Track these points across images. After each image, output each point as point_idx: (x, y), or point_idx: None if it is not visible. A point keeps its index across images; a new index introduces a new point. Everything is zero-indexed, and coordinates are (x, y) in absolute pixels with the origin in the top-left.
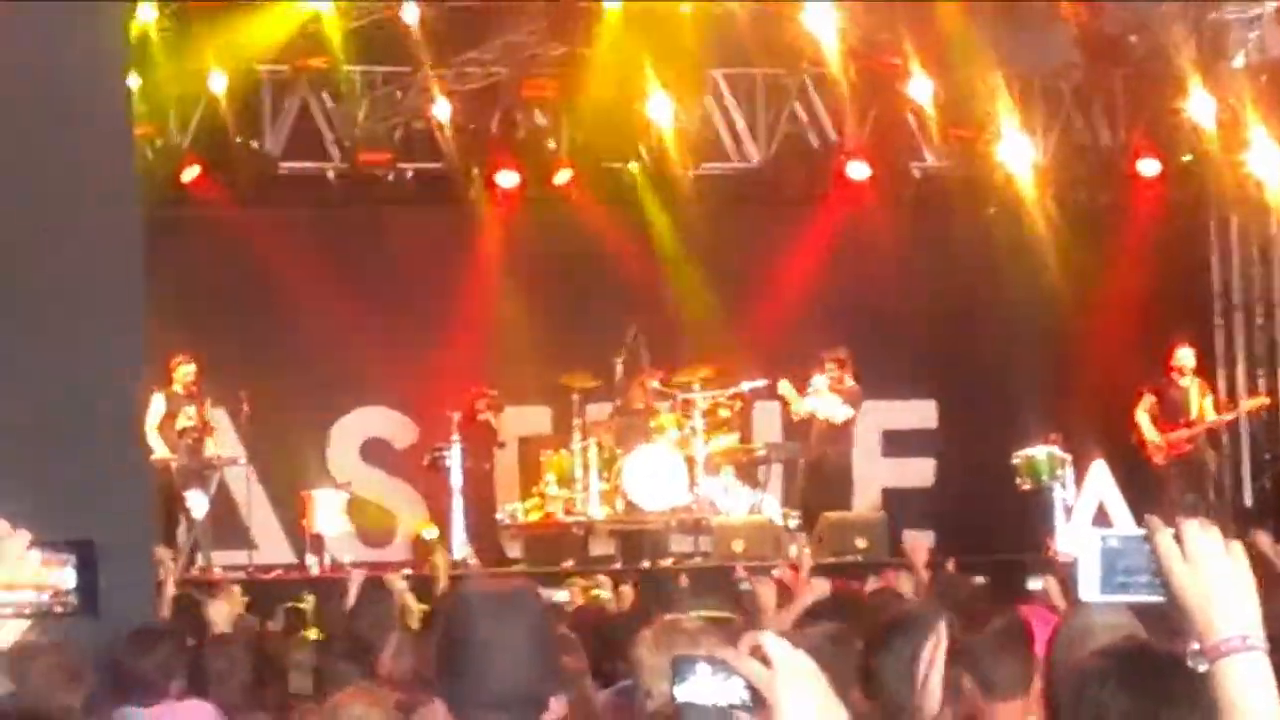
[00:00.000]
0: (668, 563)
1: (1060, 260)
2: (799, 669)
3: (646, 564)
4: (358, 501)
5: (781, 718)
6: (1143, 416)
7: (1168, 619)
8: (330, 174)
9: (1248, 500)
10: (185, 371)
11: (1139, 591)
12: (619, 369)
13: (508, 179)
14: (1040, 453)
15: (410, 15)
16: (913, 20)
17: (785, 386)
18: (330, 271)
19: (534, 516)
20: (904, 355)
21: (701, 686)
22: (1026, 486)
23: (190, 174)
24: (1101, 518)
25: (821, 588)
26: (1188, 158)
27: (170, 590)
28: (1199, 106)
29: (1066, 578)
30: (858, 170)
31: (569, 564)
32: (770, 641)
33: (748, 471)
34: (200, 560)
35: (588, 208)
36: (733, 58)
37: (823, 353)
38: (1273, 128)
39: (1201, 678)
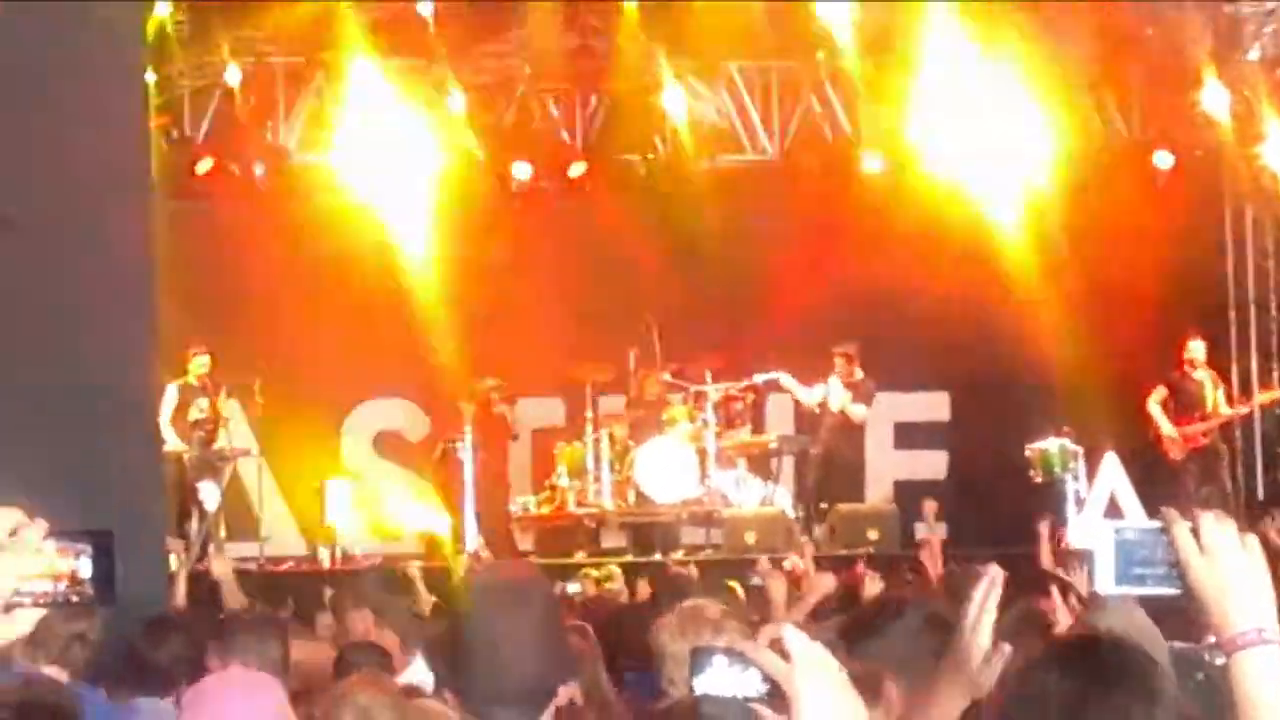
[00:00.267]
0: (679, 555)
1: (1074, 253)
2: (817, 662)
3: (658, 556)
4: (368, 499)
5: (799, 710)
6: (1155, 408)
7: (1184, 617)
8: (344, 166)
9: (1259, 493)
10: (200, 363)
11: (1155, 584)
12: (632, 361)
13: (522, 171)
14: (1052, 445)
15: (425, 8)
16: (926, 11)
17: (788, 379)
18: (343, 263)
19: (545, 510)
20: (917, 348)
21: (719, 678)
22: (1039, 479)
23: (204, 166)
24: (1113, 510)
25: (826, 583)
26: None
27: (184, 581)
28: (1214, 99)
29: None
30: (872, 162)
31: (581, 556)
32: (789, 634)
33: (760, 464)
34: (212, 551)
35: (602, 200)
36: (748, 50)
37: (832, 348)
38: None
39: (1147, 665)
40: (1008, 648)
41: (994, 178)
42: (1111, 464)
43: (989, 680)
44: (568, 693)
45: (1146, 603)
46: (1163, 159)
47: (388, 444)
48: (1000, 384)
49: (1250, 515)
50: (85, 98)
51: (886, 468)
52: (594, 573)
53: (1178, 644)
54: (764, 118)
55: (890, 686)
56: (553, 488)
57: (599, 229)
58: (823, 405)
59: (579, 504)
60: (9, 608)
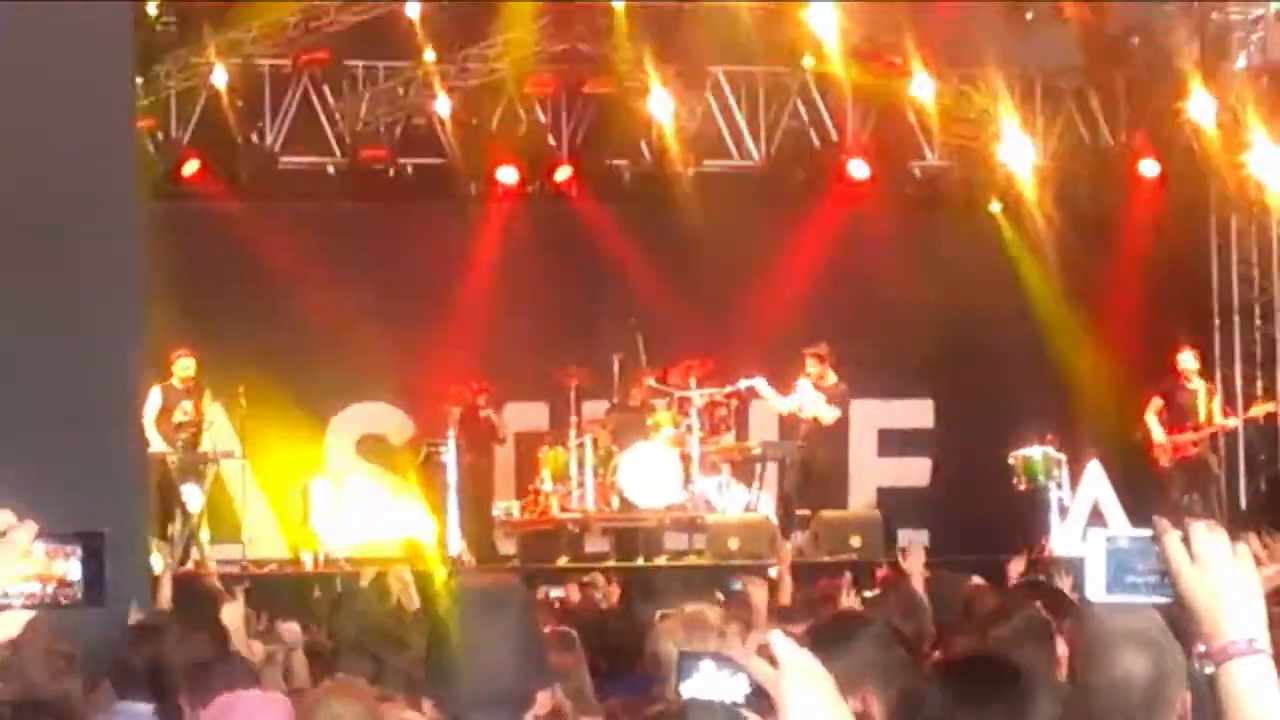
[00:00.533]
0: (662, 560)
1: (1059, 260)
2: (805, 669)
3: (641, 561)
4: (351, 500)
5: (786, 717)
6: (1152, 419)
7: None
8: (330, 169)
9: (1242, 502)
10: (184, 365)
11: (1146, 593)
12: (616, 366)
13: (508, 175)
14: (1036, 453)
15: (413, 10)
16: (915, 19)
17: (764, 387)
18: (329, 266)
19: (529, 514)
20: (901, 354)
21: (706, 683)
22: (1022, 486)
23: (191, 168)
24: (1096, 518)
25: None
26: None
27: (168, 583)
28: (1200, 108)
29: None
30: (858, 169)
31: (563, 561)
32: (777, 640)
33: (743, 470)
34: (195, 554)
35: (587, 205)
36: (734, 55)
37: (803, 349)
38: (1274, 130)
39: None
40: None
41: (982, 185)
42: (1095, 472)
43: None
44: (546, 699)
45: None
46: (1148, 167)
47: (371, 447)
48: (984, 391)
49: (1234, 526)
50: (71, 99)
51: (870, 474)
52: (579, 579)
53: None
54: (750, 123)
55: (872, 697)
56: (536, 492)
57: (584, 233)
58: (794, 414)
59: (562, 509)
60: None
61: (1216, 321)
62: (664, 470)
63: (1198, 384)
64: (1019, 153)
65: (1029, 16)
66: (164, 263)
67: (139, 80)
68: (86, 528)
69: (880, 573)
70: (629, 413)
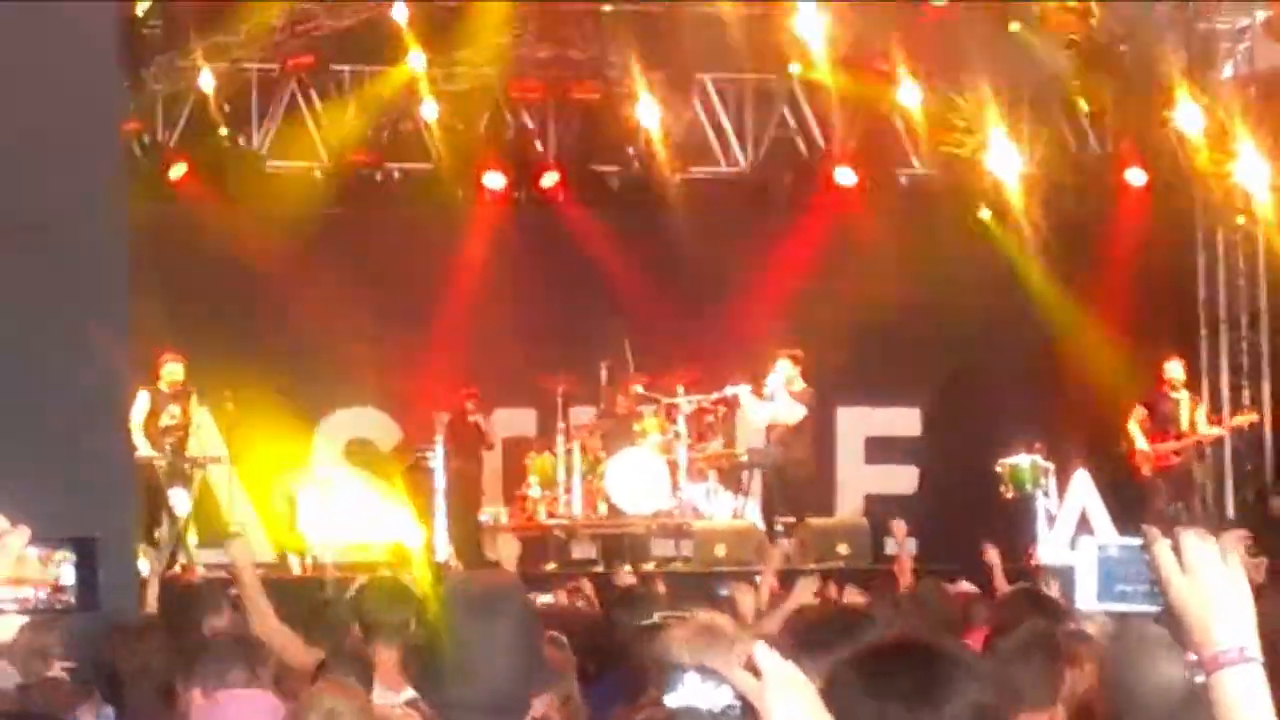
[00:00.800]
0: (650, 566)
1: (1045, 269)
2: (788, 680)
3: (628, 567)
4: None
5: None
6: (1134, 428)
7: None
8: (318, 173)
9: (1230, 512)
10: (172, 369)
11: (1136, 601)
12: (604, 373)
13: (495, 180)
14: (1023, 461)
15: (400, 14)
16: (902, 27)
17: (746, 396)
18: (317, 271)
19: (516, 520)
20: (888, 362)
21: (692, 695)
22: (1009, 495)
23: (178, 171)
24: (1084, 527)
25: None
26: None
27: (155, 588)
28: (1187, 117)
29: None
30: (845, 176)
31: (551, 567)
32: (760, 652)
33: (731, 476)
34: (182, 558)
35: (574, 211)
36: (721, 62)
37: (779, 350)
38: (1260, 139)
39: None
40: None
41: (969, 193)
42: (1082, 481)
43: None
44: (544, 704)
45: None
46: (1135, 176)
47: (359, 452)
48: (972, 399)
49: (1220, 534)
50: (58, 102)
51: (858, 482)
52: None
53: None
54: (737, 130)
55: None
56: (523, 498)
57: (571, 240)
58: (771, 423)
59: (549, 514)
60: None
61: (1204, 331)
62: (651, 477)
63: (1181, 394)
64: (1006, 161)
65: (1014, 28)
66: (151, 266)
67: (126, 84)
68: (74, 531)
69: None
70: (616, 419)
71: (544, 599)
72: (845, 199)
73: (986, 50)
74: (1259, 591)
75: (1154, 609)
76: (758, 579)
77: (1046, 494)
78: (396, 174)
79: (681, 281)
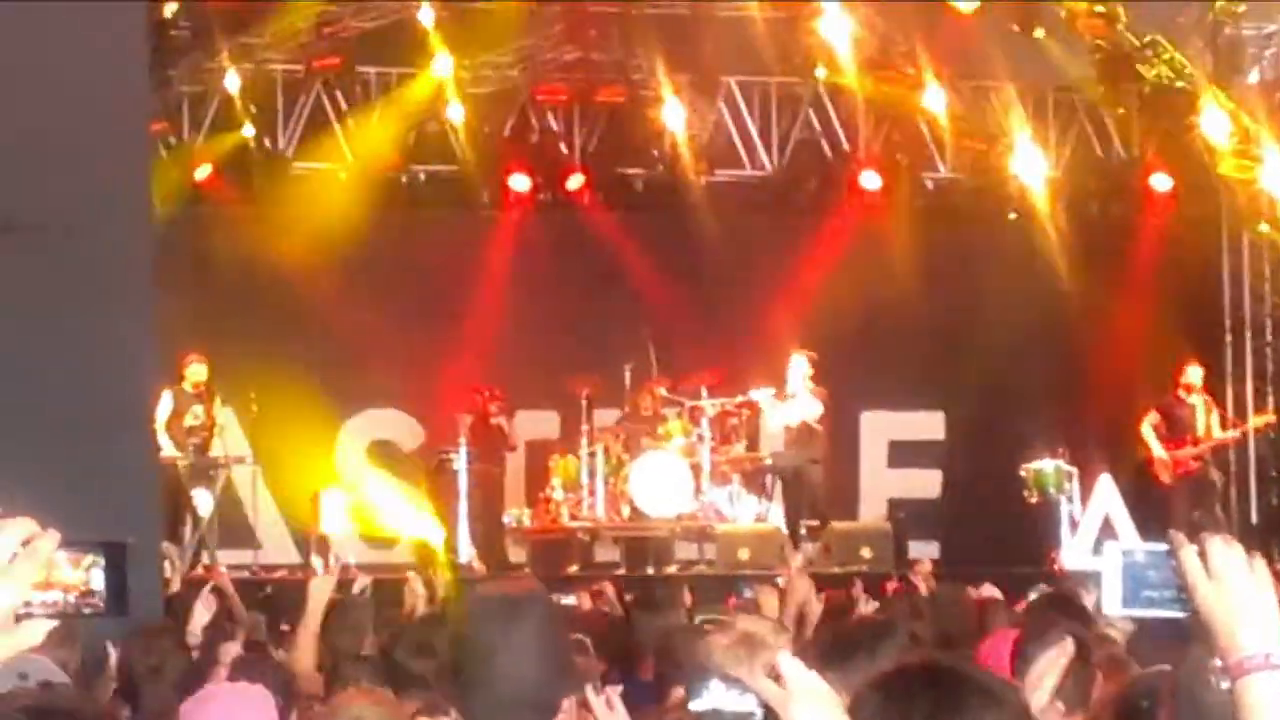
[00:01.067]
0: (673, 569)
1: (1070, 274)
2: (812, 690)
3: (651, 570)
4: (362, 508)
5: None
6: (1148, 431)
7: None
8: (343, 175)
9: (1254, 517)
10: (196, 370)
11: (1162, 607)
12: (628, 375)
13: (520, 183)
14: (1047, 466)
15: (426, 17)
16: (927, 30)
17: (766, 401)
18: (341, 273)
19: (539, 522)
20: (912, 366)
21: (716, 702)
22: (1033, 499)
23: (203, 172)
24: (1107, 532)
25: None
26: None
27: (178, 588)
28: (1213, 123)
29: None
30: (870, 180)
31: (573, 569)
32: (785, 662)
33: (754, 480)
34: (205, 559)
35: (599, 213)
36: (747, 65)
37: (797, 350)
38: None
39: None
40: (1060, 706)
41: (994, 197)
42: (1106, 486)
43: None
44: (571, 706)
45: (1149, 626)
46: (1161, 181)
47: (382, 454)
48: (995, 403)
49: (1244, 541)
50: (86, 102)
51: (881, 486)
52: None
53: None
54: (762, 133)
55: None
56: (547, 500)
57: (596, 242)
58: (789, 426)
59: (572, 517)
60: (20, 619)
61: (1229, 337)
62: (675, 480)
63: (1196, 398)
64: (1031, 165)
65: (1039, 34)
66: (176, 267)
67: (153, 85)
68: (98, 534)
69: (891, 585)
70: (640, 422)
71: (566, 601)
72: (870, 203)
73: (1012, 55)
74: None
75: (1180, 614)
76: (779, 580)
77: (1070, 499)
78: (422, 176)
79: (706, 284)
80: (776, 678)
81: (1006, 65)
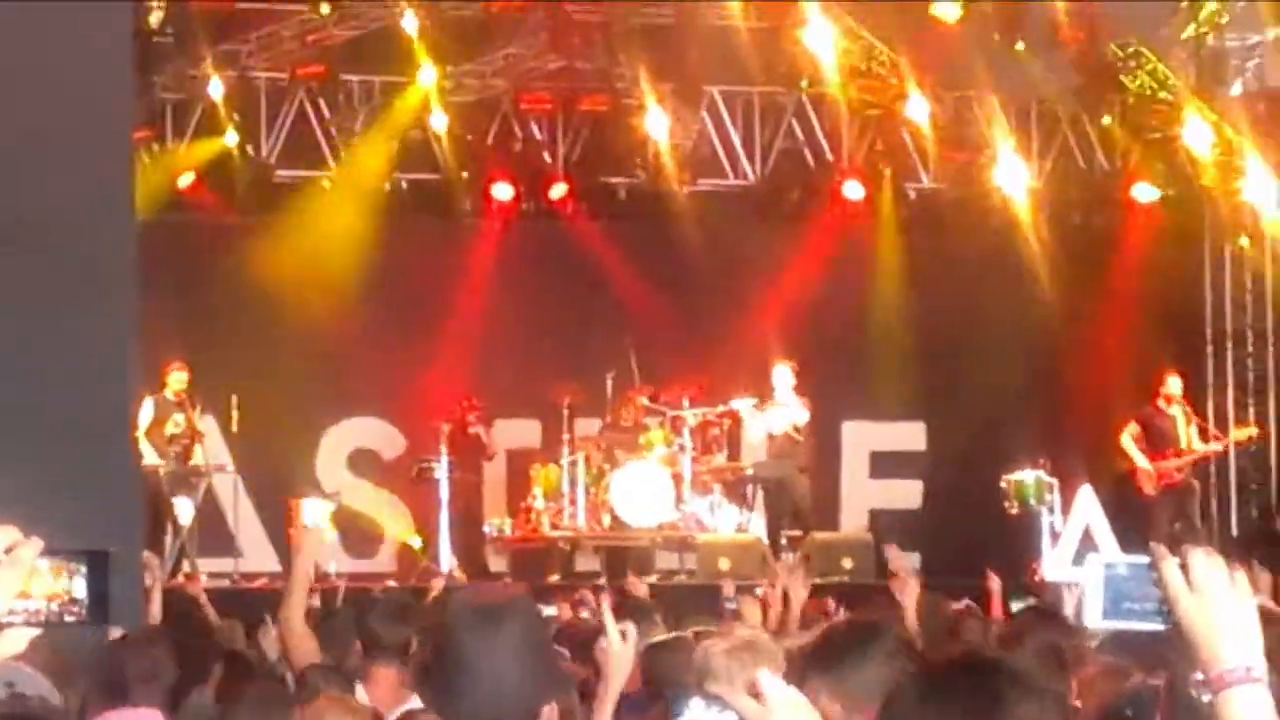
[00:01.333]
0: (653, 579)
1: (1052, 284)
2: (791, 705)
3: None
4: (345, 510)
5: None
6: (1128, 442)
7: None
8: (326, 183)
9: (1235, 529)
10: (178, 378)
11: (1143, 619)
12: (609, 384)
13: (503, 191)
14: (1028, 477)
15: (410, 25)
16: (911, 41)
17: (747, 411)
18: (323, 280)
19: (519, 531)
20: (894, 376)
21: (697, 718)
22: (1014, 510)
23: (186, 180)
24: (1088, 544)
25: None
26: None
27: (158, 596)
28: (1196, 134)
29: None
30: (853, 189)
31: (554, 578)
32: (764, 679)
33: (735, 490)
34: (186, 567)
35: (582, 222)
36: (730, 74)
37: (780, 360)
38: (1269, 156)
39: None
40: None
41: (977, 208)
42: (1087, 497)
43: None
44: (551, 713)
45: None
46: (1143, 192)
47: (363, 462)
48: (976, 414)
49: (1224, 554)
50: (70, 107)
51: (862, 497)
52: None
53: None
54: (745, 143)
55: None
56: (528, 509)
57: (579, 251)
58: (769, 434)
59: (553, 526)
60: (2, 627)
61: (1210, 348)
62: (656, 489)
63: (1177, 409)
64: (1014, 175)
65: (1020, 47)
66: (158, 274)
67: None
68: (79, 542)
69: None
70: (621, 431)
71: (546, 611)
72: (853, 212)
73: (995, 65)
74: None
75: (1160, 627)
76: (758, 591)
77: (1051, 510)
78: (405, 184)
79: (688, 293)
80: (756, 694)
81: (989, 77)
